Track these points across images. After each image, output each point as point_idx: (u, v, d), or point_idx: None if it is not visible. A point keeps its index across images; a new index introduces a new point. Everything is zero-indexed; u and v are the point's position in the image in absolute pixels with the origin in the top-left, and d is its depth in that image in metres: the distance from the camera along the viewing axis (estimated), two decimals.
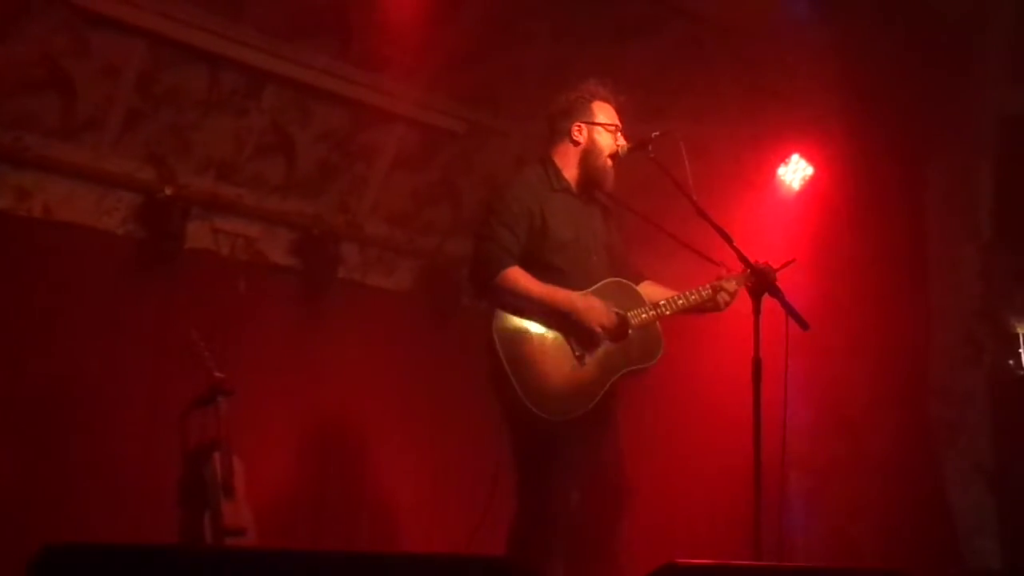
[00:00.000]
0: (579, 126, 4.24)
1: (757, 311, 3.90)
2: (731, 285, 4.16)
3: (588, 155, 4.24)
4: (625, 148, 4.22)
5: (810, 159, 6.22)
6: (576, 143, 4.25)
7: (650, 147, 4.16)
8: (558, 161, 4.25)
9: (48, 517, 5.15)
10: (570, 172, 4.25)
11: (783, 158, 6.27)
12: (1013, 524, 5.61)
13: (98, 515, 5.30)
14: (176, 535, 4.88)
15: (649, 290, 4.26)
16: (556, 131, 4.29)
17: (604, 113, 4.27)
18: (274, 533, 5.53)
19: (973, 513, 5.71)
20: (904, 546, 5.60)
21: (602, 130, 4.23)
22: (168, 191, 5.81)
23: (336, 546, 6.01)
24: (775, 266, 4.13)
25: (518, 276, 3.98)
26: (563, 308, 3.96)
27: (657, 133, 4.16)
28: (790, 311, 3.84)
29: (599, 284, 4.10)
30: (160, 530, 4.97)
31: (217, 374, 5.02)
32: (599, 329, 3.97)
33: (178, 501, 4.96)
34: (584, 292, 4.05)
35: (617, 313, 4.04)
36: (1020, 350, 5.71)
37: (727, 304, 4.19)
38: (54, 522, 5.12)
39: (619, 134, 4.25)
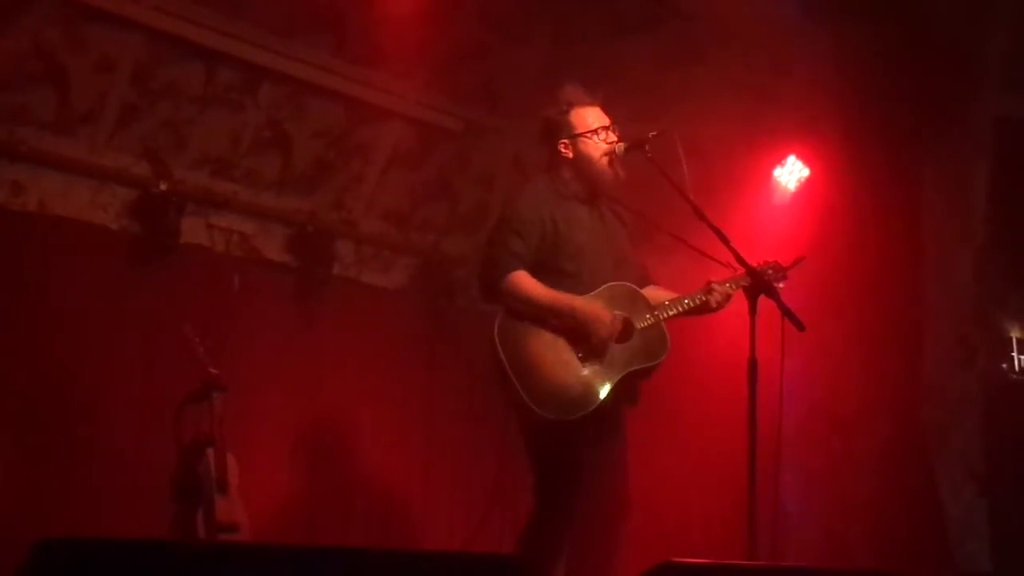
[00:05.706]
0: (564, 143, 4.26)
1: (753, 312, 3.90)
2: (724, 287, 4.17)
3: (580, 166, 4.26)
4: (622, 148, 4.23)
5: (806, 161, 6.21)
6: (567, 159, 4.26)
7: (647, 147, 4.17)
8: (561, 173, 4.29)
9: (42, 512, 5.13)
10: (574, 183, 4.27)
11: (779, 159, 6.27)
12: (1004, 527, 5.61)
13: (91, 510, 5.28)
14: (169, 531, 4.88)
15: (653, 294, 4.27)
16: (547, 150, 4.32)
17: (586, 119, 4.27)
18: (268, 529, 5.53)
19: (965, 516, 5.70)
20: (896, 548, 5.61)
21: (587, 139, 4.24)
22: (163, 186, 5.80)
23: (329, 542, 6.00)
24: (785, 264, 4.15)
25: (523, 280, 4.01)
26: (567, 313, 3.97)
27: (654, 133, 4.16)
28: (786, 312, 3.84)
29: (603, 287, 4.11)
30: (153, 526, 4.97)
31: (211, 370, 5.02)
32: (597, 341, 3.97)
33: (172, 497, 4.95)
34: (589, 296, 4.06)
35: (625, 318, 4.05)
36: (1013, 353, 5.71)
37: (720, 305, 4.19)
38: (47, 517, 5.10)
39: (610, 131, 4.25)
